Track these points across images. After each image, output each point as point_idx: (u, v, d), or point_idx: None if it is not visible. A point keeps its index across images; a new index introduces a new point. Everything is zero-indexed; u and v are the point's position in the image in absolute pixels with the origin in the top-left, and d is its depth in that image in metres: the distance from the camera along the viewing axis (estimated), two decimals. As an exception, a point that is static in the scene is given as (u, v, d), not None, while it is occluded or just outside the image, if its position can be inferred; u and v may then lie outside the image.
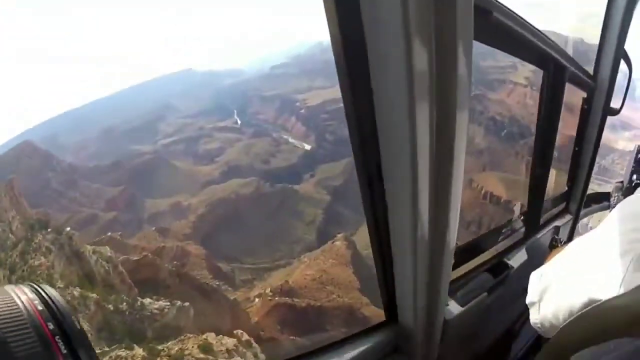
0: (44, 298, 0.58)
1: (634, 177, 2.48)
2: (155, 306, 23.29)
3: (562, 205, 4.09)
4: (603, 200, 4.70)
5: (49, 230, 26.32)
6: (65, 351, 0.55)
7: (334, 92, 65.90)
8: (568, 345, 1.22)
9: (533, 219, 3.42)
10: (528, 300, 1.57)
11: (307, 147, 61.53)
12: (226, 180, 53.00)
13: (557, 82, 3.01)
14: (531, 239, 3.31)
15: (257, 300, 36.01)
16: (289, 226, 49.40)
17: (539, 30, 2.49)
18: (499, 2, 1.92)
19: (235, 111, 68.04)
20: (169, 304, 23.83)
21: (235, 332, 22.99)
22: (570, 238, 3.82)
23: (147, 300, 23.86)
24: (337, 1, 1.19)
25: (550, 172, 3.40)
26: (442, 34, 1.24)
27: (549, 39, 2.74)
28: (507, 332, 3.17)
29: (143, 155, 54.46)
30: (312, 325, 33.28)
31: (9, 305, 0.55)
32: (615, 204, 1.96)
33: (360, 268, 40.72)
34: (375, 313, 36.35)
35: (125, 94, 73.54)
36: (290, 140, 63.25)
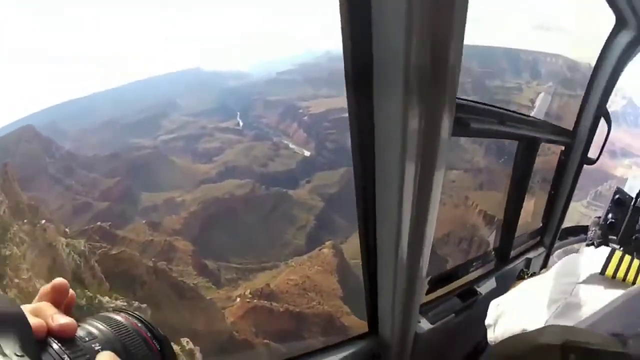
0: (136, 316, 0.82)
1: (609, 215, 2.65)
2: (112, 305, 23.39)
3: (537, 239, 4.54)
4: (580, 233, 5.11)
5: (25, 221, 26.57)
6: (160, 351, 0.79)
7: (338, 101, 65.90)
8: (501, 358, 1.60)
9: (504, 252, 3.93)
10: (486, 322, 2.06)
11: (307, 153, 61.55)
12: (223, 180, 53.02)
13: (529, 151, 3.56)
14: (501, 270, 3.84)
15: (237, 300, 36.16)
16: (279, 230, 49.45)
17: (514, 112, 3.17)
18: (478, 107, 2.53)
19: (238, 113, 68.26)
20: (125, 303, 23.93)
21: (181, 339, 23.17)
22: (543, 269, 4.06)
23: (105, 299, 23.97)
24: (352, 31, 1.49)
25: (521, 210, 3.85)
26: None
27: (524, 115, 3.44)
28: (472, 350, 3.55)
29: (142, 149, 54.67)
30: (287, 330, 33.48)
31: (118, 323, 0.77)
32: (592, 238, 2.53)
33: (345, 277, 40.66)
34: (354, 323, 36.11)
35: (130, 88, 73.45)
36: (291, 145, 63.34)
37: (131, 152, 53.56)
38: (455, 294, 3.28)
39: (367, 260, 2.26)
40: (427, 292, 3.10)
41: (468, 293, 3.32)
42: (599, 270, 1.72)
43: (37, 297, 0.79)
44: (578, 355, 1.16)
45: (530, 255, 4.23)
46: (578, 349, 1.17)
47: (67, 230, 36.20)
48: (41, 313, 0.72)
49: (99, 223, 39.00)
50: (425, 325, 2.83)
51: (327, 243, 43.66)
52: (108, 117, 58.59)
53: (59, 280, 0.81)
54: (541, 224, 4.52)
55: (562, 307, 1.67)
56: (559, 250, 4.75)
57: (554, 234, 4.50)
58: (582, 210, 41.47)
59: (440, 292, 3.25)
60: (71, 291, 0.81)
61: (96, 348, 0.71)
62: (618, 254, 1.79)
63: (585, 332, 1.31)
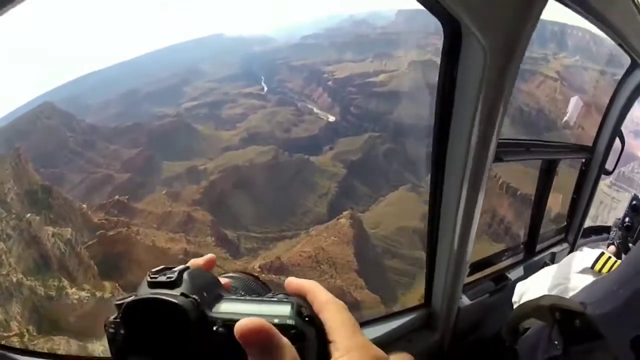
0: (253, 276, 1.02)
1: (627, 219, 3.52)
2: (76, 297, 23.69)
3: (562, 236, 5.18)
4: (603, 233, 5.65)
5: (14, 214, 26.92)
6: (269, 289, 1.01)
7: (363, 66, 65.38)
8: (514, 318, 2.30)
9: (530, 246, 4.71)
10: (513, 300, 2.83)
11: (331, 118, 61.13)
12: (246, 146, 52.96)
13: (550, 168, 4.43)
14: (528, 261, 4.54)
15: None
16: (301, 197, 49.39)
17: (536, 140, 5.19)
18: (509, 142, 3.48)
19: (262, 78, 67.90)
20: (89, 295, 24.15)
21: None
22: None
23: (71, 290, 24.20)
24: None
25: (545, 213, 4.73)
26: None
27: (545, 141, 4.54)
28: (501, 328, 3.83)
29: (164, 117, 54.87)
30: None
31: (244, 277, 1.00)
32: (613, 238, 3.55)
33: (362, 248, 40.60)
34: (367, 298, 36.17)
35: (153, 56, 73.52)
36: (315, 110, 62.96)
37: (153, 122, 53.85)
38: (490, 278, 3.97)
39: (430, 249, 2.97)
40: (468, 275, 3.61)
41: (500, 278, 3.98)
42: (590, 265, 2.50)
43: (194, 263, 0.95)
44: (559, 313, 1.85)
45: (555, 249, 4.89)
46: (559, 308, 1.85)
47: (84, 206, 36.86)
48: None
49: (117, 197, 39.57)
50: (465, 301, 3.51)
51: (345, 213, 43.25)
52: (130, 87, 58.91)
53: (210, 255, 0.98)
54: (565, 223, 5.18)
55: (562, 289, 2.47)
56: (582, 247, 4.70)
57: (577, 233, 5.12)
58: (605, 190, 41.83)
59: (478, 275, 3.94)
60: (212, 255, 0.98)
61: (242, 293, 0.94)
62: (606, 255, 2.51)
63: (566, 300, 1.96)
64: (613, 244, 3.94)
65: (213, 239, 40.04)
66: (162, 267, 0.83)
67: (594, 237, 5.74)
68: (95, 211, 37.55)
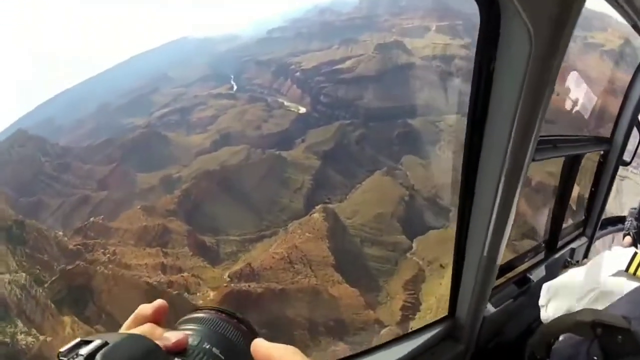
0: (214, 308, 0.92)
1: None
2: (23, 342, 24.46)
3: (580, 230, 5.19)
4: (618, 224, 5.77)
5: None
6: (248, 329, 0.91)
7: (329, 54, 65.18)
8: (550, 332, 2.35)
9: (552, 243, 4.65)
10: (540, 302, 2.85)
11: (302, 110, 61.12)
12: (218, 148, 53.07)
13: (574, 164, 4.36)
14: (549, 259, 4.51)
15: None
16: (276, 194, 49.23)
17: (563, 136, 3.91)
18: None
19: (230, 77, 67.84)
20: (34, 340, 24.89)
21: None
22: (584, 258, 4.93)
23: (21, 336, 24.93)
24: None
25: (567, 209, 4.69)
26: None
27: (570, 136, 4.19)
28: (526, 329, 4.11)
29: (135, 129, 54.78)
30: (265, 312, 33.43)
31: (204, 319, 0.88)
32: (629, 228, 3.54)
33: (338, 241, 40.92)
34: (345, 292, 36.40)
35: (120, 68, 72.99)
36: (286, 103, 62.92)
37: (125, 135, 53.70)
38: (513, 281, 3.90)
39: (456, 259, 2.90)
40: None
41: (523, 280, 3.93)
42: (624, 268, 2.38)
43: (134, 318, 0.89)
44: (602, 329, 1.88)
45: (574, 245, 4.88)
46: (601, 325, 1.88)
47: (60, 233, 37.38)
48: (153, 335, 0.81)
49: (92, 219, 39.84)
50: (490, 309, 3.45)
51: (318, 207, 43.72)
52: (100, 102, 58.91)
53: (159, 302, 0.92)
54: (584, 217, 5.18)
55: (596, 294, 2.39)
56: (599, 240, 5.49)
57: (595, 226, 5.12)
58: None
59: (501, 279, 3.80)
60: (163, 302, 0.92)
61: (207, 347, 0.81)
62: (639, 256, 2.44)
63: (607, 314, 1.99)
64: (629, 234, 4.29)
65: (190, 248, 40.18)
66: (77, 341, 0.72)
67: (610, 229, 5.87)
68: (73, 236, 38.00)
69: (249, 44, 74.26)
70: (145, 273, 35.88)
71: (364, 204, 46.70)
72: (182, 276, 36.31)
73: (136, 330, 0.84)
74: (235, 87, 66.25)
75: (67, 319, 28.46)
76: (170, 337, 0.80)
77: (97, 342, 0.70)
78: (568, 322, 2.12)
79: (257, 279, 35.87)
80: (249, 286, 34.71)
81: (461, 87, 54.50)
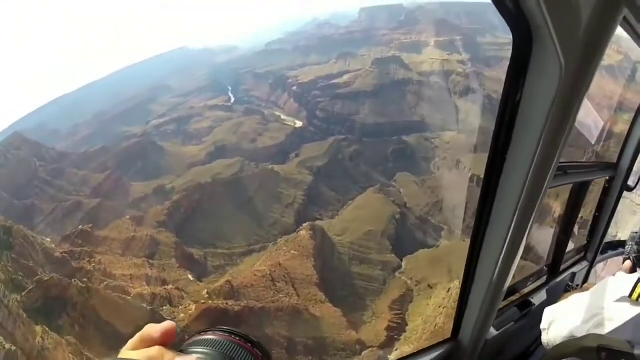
0: (226, 330, 0.85)
1: None
2: None
3: (582, 254, 5.09)
4: (619, 247, 5.68)
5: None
6: (262, 355, 0.84)
7: (327, 68, 65.34)
8: (555, 356, 2.38)
9: (555, 267, 4.57)
10: (541, 326, 2.77)
11: (299, 124, 61.33)
12: (212, 161, 53.18)
13: (582, 190, 4.31)
14: (551, 283, 4.44)
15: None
16: (267, 209, 48.85)
17: (572, 162, 3.84)
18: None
19: (229, 88, 68.16)
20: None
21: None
22: (584, 282, 5.03)
23: None
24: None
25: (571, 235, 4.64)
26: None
27: (579, 162, 4.23)
28: (524, 352, 4.20)
29: (131, 138, 54.86)
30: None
31: (216, 342, 0.82)
32: (629, 252, 3.20)
33: (324, 259, 40.46)
34: (327, 312, 35.61)
35: (119, 76, 73.54)
36: (283, 117, 63.23)
37: (120, 143, 53.80)
38: (515, 305, 3.84)
39: (465, 282, 2.82)
40: None
41: (525, 304, 3.87)
42: (627, 294, 2.33)
43: (140, 339, 0.83)
44: (606, 354, 1.93)
45: (575, 269, 4.80)
46: (606, 349, 1.94)
47: (48, 240, 37.26)
48: (161, 358, 0.78)
49: (80, 227, 39.45)
50: (492, 332, 3.41)
51: (305, 225, 43.00)
52: (98, 109, 59.14)
53: (168, 324, 0.85)
54: (586, 241, 5.10)
55: (599, 319, 2.36)
56: (600, 264, 5.47)
57: (596, 251, 5.04)
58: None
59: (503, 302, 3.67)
60: (172, 324, 0.86)
61: None
62: None
63: (612, 339, 2.02)
64: (629, 258, 4.10)
65: (176, 260, 39.80)
66: None
67: (610, 253, 5.75)
68: (60, 243, 37.76)
69: (247, 55, 74.97)
70: (129, 284, 35.50)
71: (354, 221, 46.24)
72: (165, 289, 35.54)
73: (144, 354, 0.79)
74: (232, 99, 66.53)
75: (38, 328, 28.31)
76: None
77: None
78: (573, 347, 2.23)
79: (236, 296, 35.15)
80: (227, 303, 33.92)
81: (458, 103, 54.61)
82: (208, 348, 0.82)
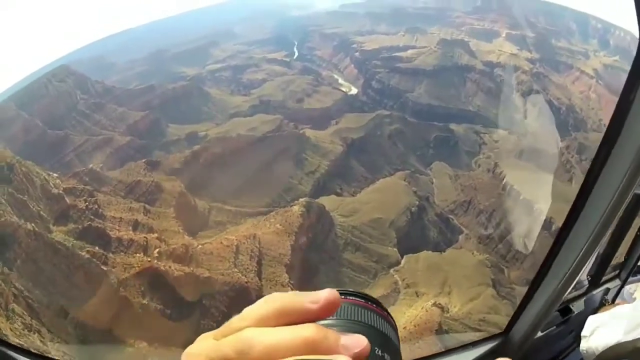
0: (377, 303, 0.81)
1: None
2: None
3: (616, 272, 4.96)
4: None
5: None
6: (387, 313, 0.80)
7: (394, 39, 62.03)
8: (610, 358, 2.56)
9: (596, 278, 4.48)
10: (583, 333, 2.99)
11: (354, 90, 59.42)
12: (254, 114, 52.18)
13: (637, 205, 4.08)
14: (589, 295, 4.43)
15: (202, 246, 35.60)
16: (287, 173, 47.23)
17: None
18: None
19: (292, 44, 67.01)
20: None
21: None
22: (614, 299, 4.89)
23: None
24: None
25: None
26: None
27: None
28: (556, 355, 4.35)
29: (182, 80, 55.48)
30: (171, 295, 31.70)
31: (375, 316, 0.77)
32: None
33: (313, 240, 38.95)
34: None
35: (186, 17, 73.45)
36: (340, 81, 61.37)
37: (170, 84, 54.18)
38: (557, 309, 3.82)
39: (537, 277, 3.01)
40: None
41: (566, 310, 3.96)
42: None
43: (283, 311, 0.72)
44: None
45: (609, 285, 4.71)
46: None
47: (55, 175, 38.28)
48: (328, 344, 0.66)
49: (91, 165, 40.59)
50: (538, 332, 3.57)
51: (301, 200, 41.23)
52: (158, 47, 59.48)
53: (330, 293, 0.74)
54: (624, 259, 4.90)
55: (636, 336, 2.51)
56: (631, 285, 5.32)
57: (630, 271, 4.87)
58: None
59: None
60: (335, 293, 0.75)
61: (379, 354, 0.72)
62: None
63: None
64: None
65: (174, 210, 39.30)
66: None
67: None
68: (68, 179, 38.65)
69: (319, 14, 72.91)
70: (114, 226, 35.80)
71: (368, 204, 43.74)
72: (145, 237, 34.94)
73: (296, 333, 0.66)
74: (295, 54, 65.41)
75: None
76: (349, 344, 0.65)
77: None
78: (626, 349, 2.34)
79: (186, 261, 33.67)
80: (169, 267, 32.19)
81: (517, 102, 49.94)
82: (360, 325, 0.73)
